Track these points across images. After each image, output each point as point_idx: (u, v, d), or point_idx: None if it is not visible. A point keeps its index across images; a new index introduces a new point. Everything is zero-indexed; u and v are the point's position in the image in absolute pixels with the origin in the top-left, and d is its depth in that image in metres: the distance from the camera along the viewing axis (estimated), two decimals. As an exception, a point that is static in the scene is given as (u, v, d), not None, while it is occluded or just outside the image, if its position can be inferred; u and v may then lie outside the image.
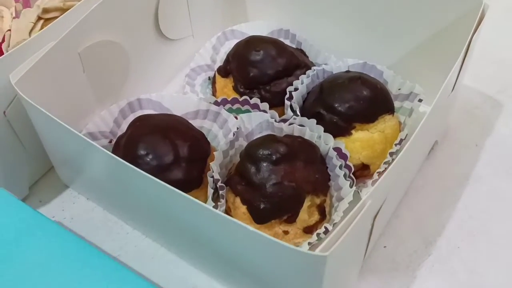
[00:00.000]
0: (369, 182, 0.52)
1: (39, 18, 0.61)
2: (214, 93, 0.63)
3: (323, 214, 0.50)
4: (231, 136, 0.53)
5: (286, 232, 0.49)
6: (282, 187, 0.48)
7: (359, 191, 0.52)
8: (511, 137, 0.60)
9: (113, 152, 0.53)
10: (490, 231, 0.52)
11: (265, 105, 0.56)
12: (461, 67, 0.50)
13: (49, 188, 0.57)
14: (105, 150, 0.43)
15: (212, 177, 0.50)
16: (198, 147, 0.52)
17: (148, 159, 0.49)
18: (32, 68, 0.47)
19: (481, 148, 0.59)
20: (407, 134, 0.53)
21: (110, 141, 0.57)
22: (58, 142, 0.50)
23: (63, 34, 0.49)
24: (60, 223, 0.54)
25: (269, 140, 0.50)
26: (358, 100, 0.53)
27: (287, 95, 0.57)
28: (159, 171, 0.49)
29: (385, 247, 0.52)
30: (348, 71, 0.58)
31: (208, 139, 0.56)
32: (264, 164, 0.48)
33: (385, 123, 0.54)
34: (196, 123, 0.57)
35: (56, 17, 0.61)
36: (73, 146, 0.48)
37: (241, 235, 0.39)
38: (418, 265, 0.50)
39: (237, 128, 0.54)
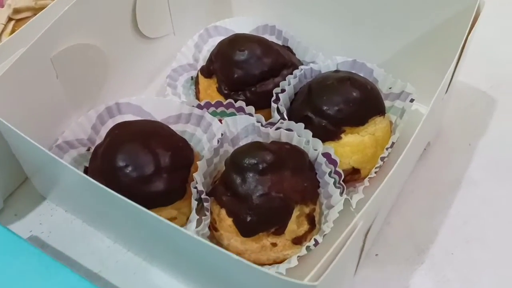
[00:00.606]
0: (360, 188, 0.50)
1: (10, 19, 0.58)
2: (197, 94, 0.60)
3: (312, 223, 0.48)
4: (215, 143, 0.51)
5: (274, 244, 0.47)
6: (269, 199, 0.45)
7: (349, 198, 0.50)
8: (505, 136, 0.58)
9: (91, 162, 0.50)
10: (484, 237, 0.51)
11: (250, 109, 0.53)
12: (456, 67, 0.47)
13: (25, 200, 0.55)
14: (76, 170, 0.41)
15: (196, 188, 0.48)
16: (181, 155, 0.50)
17: (128, 171, 0.47)
18: (1, 79, 0.44)
19: (474, 148, 0.57)
20: (398, 137, 0.51)
21: (88, 149, 0.54)
22: (31, 158, 0.47)
23: (33, 39, 0.46)
24: (37, 238, 0.52)
25: (255, 148, 0.48)
26: (347, 103, 0.50)
27: (274, 97, 0.54)
28: (139, 183, 0.47)
29: (376, 255, 0.50)
30: (337, 71, 0.55)
31: (192, 143, 0.54)
32: (250, 174, 0.46)
33: (376, 126, 0.52)
34: (178, 127, 0.55)
35: (28, 18, 0.58)
36: (46, 163, 0.45)
37: (226, 262, 0.37)
38: (411, 273, 0.49)
39: (222, 134, 0.51)
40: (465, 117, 0.60)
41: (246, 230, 0.46)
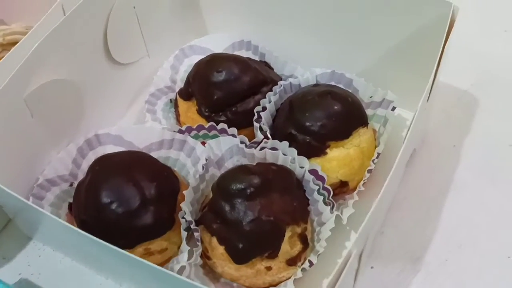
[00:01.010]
0: (350, 202, 0.50)
1: (-21, 57, 0.56)
2: (177, 117, 0.59)
3: (305, 242, 0.47)
4: (200, 169, 0.50)
5: (269, 268, 0.46)
6: (260, 223, 0.45)
7: (340, 213, 0.49)
8: (489, 134, 0.58)
9: (74, 200, 0.49)
10: (476, 240, 0.51)
11: (233, 130, 0.52)
12: (436, 71, 0.47)
13: (12, 242, 0.53)
14: (57, 219, 0.40)
15: (184, 218, 0.47)
16: (166, 184, 0.49)
17: (113, 207, 0.46)
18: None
19: (460, 149, 0.57)
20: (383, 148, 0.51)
21: (71, 184, 0.53)
22: (12, 205, 0.46)
23: (3, 81, 0.45)
24: (27, 281, 0.51)
25: (241, 172, 0.47)
26: (330, 117, 0.50)
27: (255, 116, 0.54)
28: (126, 219, 0.46)
29: (372, 267, 0.50)
30: (316, 85, 0.55)
31: (176, 169, 0.53)
32: (239, 200, 0.45)
33: (360, 137, 0.52)
34: (161, 153, 0.54)
35: (-4, 54, 0.57)
36: (27, 211, 0.44)
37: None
38: (407, 284, 0.48)
39: (206, 159, 0.50)
40: (448, 119, 0.60)
41: (239, 257, 0.45)
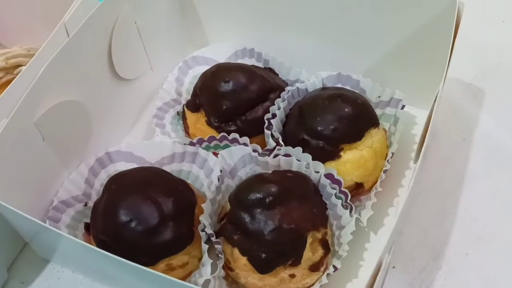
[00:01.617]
0: (368, 203, 0.50)
1: (-18, 82, 0.56)
2: (186, 130, 0.59)
3: (326, 247, 0.47)
4: (216, 181, 0.50)
5: (292, 276, 0.46)
6: (281, 232, 0.45)
7: (358, 215, 0.49)
8: (497, 125, 0.58)
9: (92, 221, 0.49)
10: (495, 231, 0.51)
11: (245, 139, 0.52)
12: (447, 69, 0.47)
13: (29, 266, 0.53)
14: (76, 239, 0.40)
15: (205, 231, 0.47)
16: (183, 199, 0.49)
17: (132, 226, 0.46)
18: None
19: (470, 142, 0.57)
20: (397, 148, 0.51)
21: (85, 204, 0.52)
22: (29, 230, 0.46)
23: (13, 107, 0.44)
24: (48, 305, 0.50)
25: (258, 182, 0.47)
26: (342, 120, 0.50)
27: (266, 124, 0.53)
28: (147, 236, 0.46)
29: (394, 267, 0.50)
30: (324, 88, 0.55)
31: (190, 181, 0.53)
32: (258, 210, 0.45)
33: (372, 138, 0.52)
34: (173, 167, 0.54)
35: (0, 78, 0.57)
36: (44, 234, 0.44)
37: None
38: (431, 281, 0.49)
39: (221, 171, 0.50)
40: (455, 112, 0.60)
41: (263, 267, 0.45)
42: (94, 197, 0.53)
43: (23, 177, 0.48)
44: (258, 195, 0.46)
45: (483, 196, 0.53)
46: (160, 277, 0.38)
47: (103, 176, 0.54)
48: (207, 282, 0.45)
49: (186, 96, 0.61)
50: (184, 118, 0.59)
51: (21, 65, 0.56)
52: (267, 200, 0.45)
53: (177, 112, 0.60)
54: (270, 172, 0.50)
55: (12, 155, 0.45)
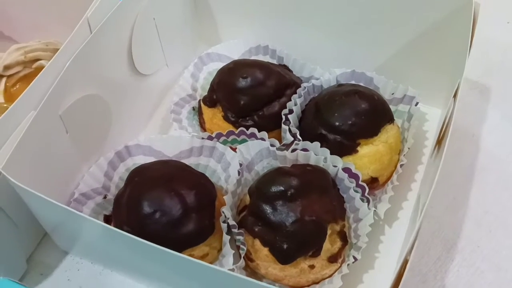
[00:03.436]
0: (385, 197, 0.51)
1: (1, 76, 0.56)
2: (202, 125, 0.60)
3: (344, 239, 0.49)
4: (235, 174, 0.51)
5: (312, 267, 0.47)
6: (303, 223, 0.46)
7: (375, 208, 0.51)
8: (505, 119, 0.60)
9: (115, 212, 0.50)
10: (506, 222, 0.53)
11: (263, 134, 0.53)
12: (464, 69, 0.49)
13: (48, 257, 0.53)
14: (102, 223, 0.41)
15: (226, 223, 0.48)
16: (205, 192, 0.50)
17: (157, 217, 0.47)
18: (17, 146, 0.43)
19: (479, 138, 0.59)
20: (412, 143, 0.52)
21: (105, 197, 0.53)
22: (52, 217, 0.46)
23: (41, 99, 0.45)
24: (69, 295, 0.51)
25: (279, 174, 0.48)
26: (359, 116, 0.51)
27: (283, 119, 0.55)
28: (170, 228, 0.47)
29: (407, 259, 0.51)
30: (340, 85, 0.56)
31: (207, 175, 0.54)
32: (280, 202, 0.47)
33: (388, 133, 0.53)
34: (191, 161, 0.55)
35: (19, 72, 0.57)
36: (68, 220, 0.45)
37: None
38: (445, 272, 0.50)
39: (240, 165, 0.51)
40: (463, 108, 0.62)
41: (285, 257, 0.46)
42: (113, 190, 0.54)
43: (47, 169, 0.48)
44: (280, 188, 0.47)
45: (493, 189, 0.55)
46: (190, 262, 0.38)
47: (122, 169, 0.54)
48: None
49: (201, 92, 0.62)
50: (200, 113, 0.60)
51: (39, 59, 0.57)
52: (289, 192, 0.47)
53: (193, 107, 0.61)
54: (288, 166, 0.51)
55: (38, 146, 0.46)
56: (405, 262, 0.36)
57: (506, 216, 0.53)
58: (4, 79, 0.56)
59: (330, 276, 0.48)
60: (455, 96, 0.47)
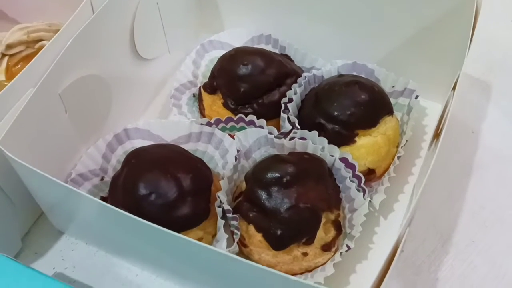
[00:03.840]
0: (381, 188, 0.51)
1: (3, 55, 0.57)
2: (201, 111, 0.60)
3: (339, 228, 0.49)
4: (232, 160, 0.51)
5: (305, 254, 0.47)
6: (298, 210, 0.46)
7: (370, 199, 0.51)
8: (505, 118, 0.60)
9: (111, 193, 0.50)
10: (502, 219, 0.53)
11: (262, 121, 0.54)
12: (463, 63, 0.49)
13: (43, 237, 0.53)
14: (98, 200, 0.41)
15: (221, 207, 0.48)
16: (201, 176, 0.50)
17: (152, 199, 0.47)
18: (15, 122, 0.43)
19: (478, 134, 0.59)
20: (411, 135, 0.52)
21: (102, 179, 0.53)
22: (49, 194, 0.46)
23: (41, 78, 0.45)
24: (62, 275, 0.51)
25: (276, 161, 0.48)
26: (358, 107, 0.51)
27: (283, 107, 0.55)
28: (166, 210, 0.47)
29: (402, 251, 0.51)
30: (341, 75, 0.56)
31: (205, 161, 0.54)
32: (275, 188, 0.47)
33: (386, 125, 0.53)
34: (189, 146, 0.55)
35: (21, 51, 0.57)
36: (65, 198, 0.45)
37: (263, 277, 0.37)
38: (438, 265, 0.50)
39: (238, 151, 0.51)
40: (464, 105, 0.62)
41: (278, 243, 0.46)
42: (111, 172, 0.54)
43: (44, 147, 0.48)
44: (276, 174, 0.47)
45: (490, 185, 0.55)
46: (185, 241, 0.38)
47: (120, 152, 0.55)
48: (223, 256, 0.46)
49: (202, 79, 0.62)
50: (200, 100, 0.60)
51: (42, 40, 0.57)
52: (285, 179, 0.47)
53: (193, 94, 0.61)
54: (286, 154, 0.51)
55: (36, 124, 0.46)
56: (395, 248, 0.36)
57: (502, 212, 0.53)
58: (6, 58, 0.56)
59: (323, 264, 0.48)
60: (454, 89, 0.46)
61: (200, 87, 0.60)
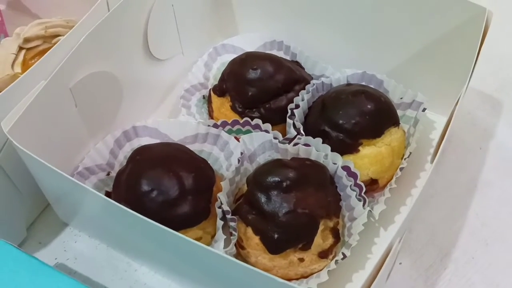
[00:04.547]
0: (382, 199, 0.51)
1: (21, 48, 0.58)
2: (210, 113, 0.61)
3: (337, 236, 0.49)
4: (235, 162, 0.51)
5: (301, 260, 0.47)
6: (295, 216, 0.46)
7: (371, 209, 0.51)
8: (515, 137, 0.60)
9: (114, 189, 0.51)
10: (504, 237, 0.52)
11: (267, 126, 0.54)
12: (470, 77, 0.49)
13: (48, 227, 0.55)
14: (102, 195, 0.42)
15: (221, 208, 0.48)
16: (203, 176, 0.50)
17: (153, 196, 0.47)
18: (24, 113, 0.44)
19: (486, 151, 0.59)
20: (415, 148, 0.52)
21: (108, 174, 0.54)
22: (55, 186, 0.48)
23: (53, 71, 0.46)
24: (63, 265, 0.52)
25: (278, 166, 0.49)
26: (364, 116, 0.51)
27: (289, 113, 0.55)
28: (166, 207, 0.48)
29: (400, 263, 0.51)
30: (349, 84, 0.56)
31: (209, 162, 0.55)
32: (275, 192, 0.47)
33: (391, 136, 0.53)
34: (195, 147, 0.55)
35: (38, 46, 0.59)
36: (70, 190, 0.46)
37: (259, 280, 0.38)
38: (436, 279, 0.50)
39: (241, 153, 0.52)
40: (473, 121, 0.62)
41: (275, 247, 0.47)
42: (117, 167, 0.55)
43: (53, 139, 0.50)
44: (276, 178, 0.47)
45: (494, 203, 0.54)
46: (183, 240, 0.39)
47: (128, 149, 0.55)
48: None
49: (213, 82, 0.63)
50: (209, 102, 0.61)
51: (59, 35, 0.58)
52: (284, 183, 0.47)
53: (203, 96, 0.62)
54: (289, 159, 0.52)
55: (46, 117, 0.48)
56: (389, 250, 0.36)
57: (504, 231, 0.52)
58: (23, 52, 0.58)
59: (320, 271, 0.48)
60: (457, 104, 0.46)
61: (210, 89, 0.61)
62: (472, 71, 0.48)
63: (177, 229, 0.48)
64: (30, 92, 0.45)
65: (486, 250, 0.51)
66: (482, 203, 0.54)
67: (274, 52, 0.63)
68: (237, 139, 0.54)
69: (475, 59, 0.47)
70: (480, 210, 0.54)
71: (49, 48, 0.59)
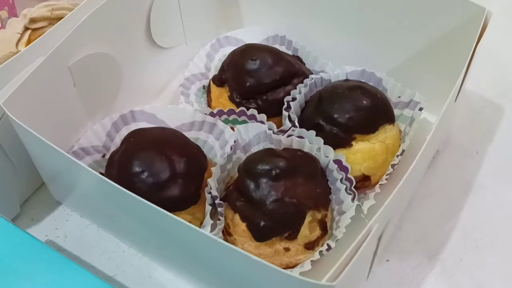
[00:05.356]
0: (372, 194, 0.51)
1: (26, 29, 0.59)
2: (209, 103, 0.61)
3: (324, 229, 0.49)
4: (228, 150, 0.52)
5: (287, 249, 0.47)
6: (283, 204, 0.46)
7: (360, 204, 0.51)
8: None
9: (107, 169, 0.51)
10: (494, 241, 0.52)
11: (262, 116, 0.54)
12: (465, 75, 0.48)
13: (41, 205, 0.55)
14: (95, 172, 0.42)
15: (210, 193, 0.49)
16: (195, 162, 0.51)
17: (144, 177, 0.48)
18: (21, 86, 0.45)
19: (483, 155, 0.58)
20: (408, 145, 0.52)
21: (103, 156, 0.55)
22: (49, 162, 0.48)
23: (52, 48, 0.47)
24: (53, 242, 0.53)
25: (268, 154, 0.49)
26: (358, 111, 0.51)
27: (285, 105, 0.55)
28: (155, 189, 0.48)
29: (387, 260, 0.51)
30: (347, 80, 0.56)
31: (204, 151, 0.55)
32: (264, 180, 0.47)
33: (386, 133, 0.53)
34: (191, 134, 0.56)
35: (43, 27, 0.60)
36: (63, 166, 0.46)
37: (244, 263, 0.38)
38: (422, 279, 0.49)
39: (235, 141, 0.52)
40: (472, 125, 0.61)
41: (260, 234, 0.47)
42: (113, 150, 0.55)
43: (49, 116, 0.50)
44: (266, 166, 0.47)
45: (487, 207, 0.54)
46: (172, 219, 0.39)
47: (124, 132, 0.56)
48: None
49: (214, 72, 0.63)
50: (208, 91, 0.61)
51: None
52: (274, 172, 0.47)
53: (203, 85, 0.62)
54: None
55: (43, 93, 0.48)
56: (367, 234, 0.36)
57: (494, 235, 0.52)
58: (28, 32, 0.59)
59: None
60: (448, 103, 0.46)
61: (210, 79, 0.61)
62: (466, 70, 0.47)
63: (167, 211, 0.49)
64: (27, 68, 0.46)
65: (475, 253, 0.51)
66: (475, 206, 0.54)
67: (277, 46, 0.63)
68: (233, 129, 0.54)
69: (469, 58, 0.47)
70: (473, 213, 0.53)
71: (54, 30, 0.60)
